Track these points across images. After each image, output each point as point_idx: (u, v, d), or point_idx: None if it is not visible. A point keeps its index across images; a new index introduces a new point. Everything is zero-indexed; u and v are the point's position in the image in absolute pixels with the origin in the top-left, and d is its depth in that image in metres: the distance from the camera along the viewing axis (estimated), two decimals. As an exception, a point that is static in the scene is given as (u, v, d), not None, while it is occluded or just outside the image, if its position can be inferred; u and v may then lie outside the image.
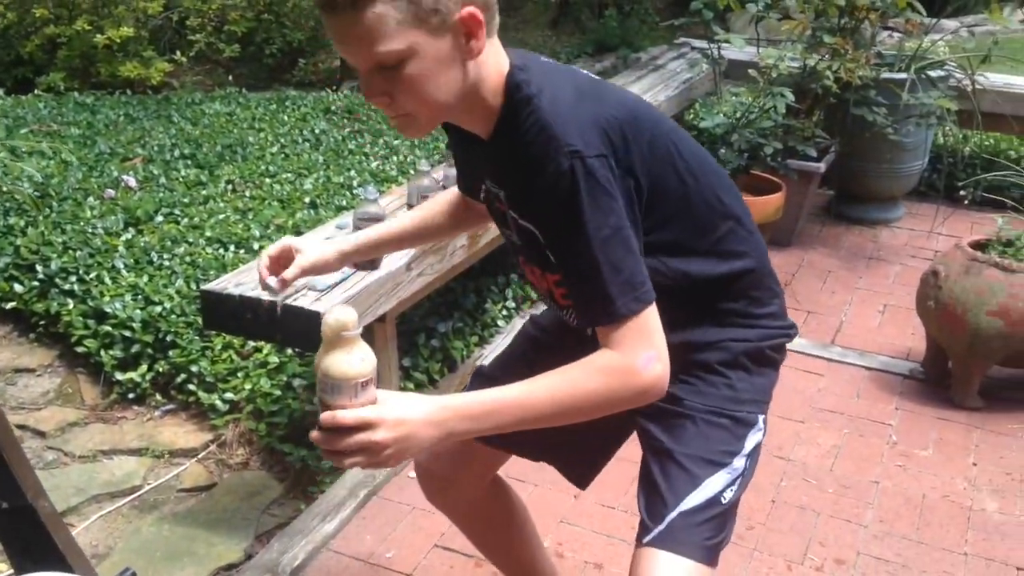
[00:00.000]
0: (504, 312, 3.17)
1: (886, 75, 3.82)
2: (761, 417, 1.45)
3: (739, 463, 1.40)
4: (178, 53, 6.07)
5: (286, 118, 4.94)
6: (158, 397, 2.71)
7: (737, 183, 3.58)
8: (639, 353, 1.22)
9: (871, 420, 2.77)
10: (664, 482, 1.38)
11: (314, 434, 1.18)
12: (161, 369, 2.73)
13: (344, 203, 3.55)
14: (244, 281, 2.13)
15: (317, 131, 4.66)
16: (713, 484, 1.37)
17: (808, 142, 3.63)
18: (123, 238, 3.28)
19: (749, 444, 1.42)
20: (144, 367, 2.74)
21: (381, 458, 1.18)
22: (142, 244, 3.21)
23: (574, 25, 8.52)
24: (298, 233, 3.17)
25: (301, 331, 2.06)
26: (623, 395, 1.24)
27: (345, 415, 1.15)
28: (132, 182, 3.81)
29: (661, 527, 1.35)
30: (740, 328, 1.44)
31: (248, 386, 2.61)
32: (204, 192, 3.76)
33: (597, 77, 1.40)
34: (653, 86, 4.38)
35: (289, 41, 6.50)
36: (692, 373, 1.42)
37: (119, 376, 2.73)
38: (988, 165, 4.00)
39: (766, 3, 3.69)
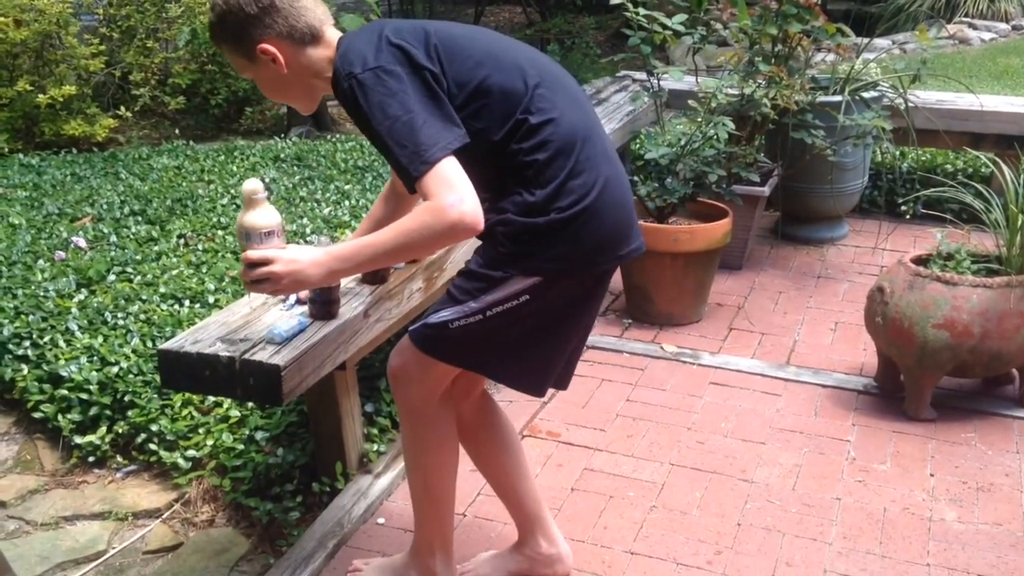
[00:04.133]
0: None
1: (822, 99, 3.93)
2: (515, 275, 1.79)
3: (473, 305, 1.81)
4: (123, 108, 6.05)
5: (235, 168, 4.94)
6: (119, 459, 2.68)
7: (685, 210, 3.68)
8: (443, 196, 1.62)
9: (830, 437, 2.83)
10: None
11: (239, 271, 1.67)
12: (121, 430, 2.70)
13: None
14: (201, 338, 2.13)
15: (267, 180, 4.66)
16: (446, 313, 1.84)
17: (751, 168, 3.71)
18: (76, 300, 3.25)
19: (492, 296, 1.80)
20: (103, 429, 2.71)
21: (280, 285, 1.75)
22: (95, 305, 3.18)
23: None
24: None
25: (261, 385, 2.06)
26: (439, 229, 1.64)
27: (251, 253, 1.76)
28: (82, 242, 3.78)
29: (415, 325, 1.90)
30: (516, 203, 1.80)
31: (210, 442, 2.60)
32: (156, 248, 3.74)
33: (412, 20, 1.94)
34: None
35: (235, 91, 6.51)
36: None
37: (78, 440, 2.70)
38: (926, 180, 4.13)
39: (701, 34, 3.79)
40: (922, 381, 2.87)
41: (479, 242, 1.86)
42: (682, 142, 3.63)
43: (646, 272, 3.56)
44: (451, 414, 2.04)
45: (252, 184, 1.81)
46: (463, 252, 2.77)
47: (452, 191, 1.62)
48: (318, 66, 1.81)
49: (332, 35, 1.83)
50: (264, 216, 1.81)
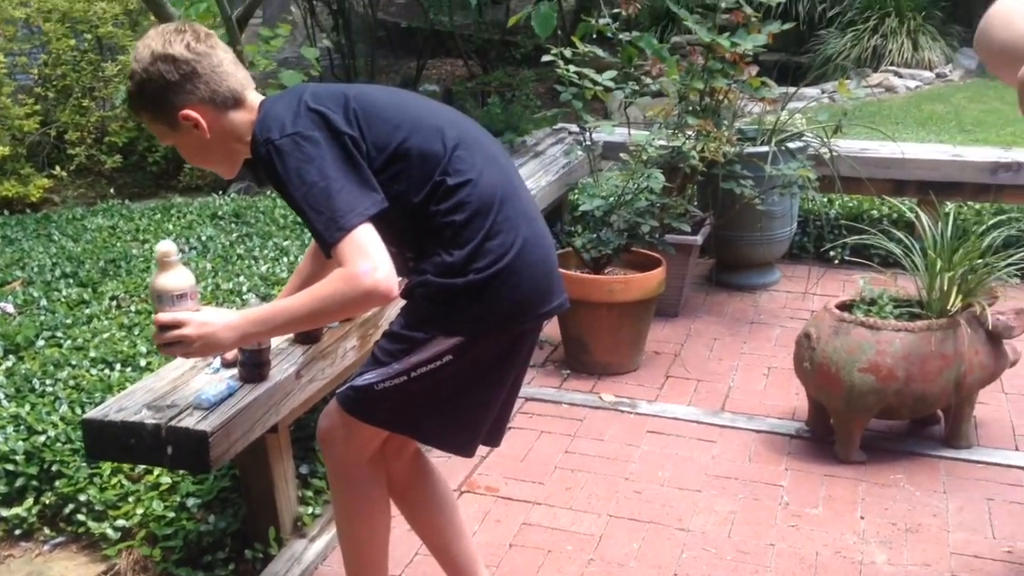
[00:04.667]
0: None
1: (749, 150, 4.04)
2: (437, 336, 1.81)
3: (397, 367, 1.83)
4: (58, 168, 5.98)
5: (171, 227, 4.90)
6: (46, 531, 2.61)
7: (620, 261, 3.74)
8: (358, 264, 1.63)
9: (764, 483, 2.87)
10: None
11: (153, 334, 1.75)
12: (48, 501, 2.64)
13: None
14: (126, 405, 2.10)
15: (204, 237, 4.63)
16: (371, 375, 1.85)
17: (682, 218, 3.79)
18: (3, 367, 3.18)
19: (415, 357, 1.82)
20: (30, 500, 2.64)
21: (192, 349, 1.75)
22: (23, 371, 3.12)
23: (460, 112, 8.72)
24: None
25: (189, 452, 2.04)
26: (352, 296, 1.65)
27: (162, 315, 1.75)
28: (10, 308, 3.71)
29: (342, 387, 1.91)
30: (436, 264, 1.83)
31: (140, 511, 2.55)
32: (87, 311, 3.68)
33: (334, 84, 1.96)
34: (534, 172, 4.52)
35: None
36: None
37: (3, 512, 2.62)
38: (852, 226, 4.24)
39: (633, 89, 3.88)
40: (851, 424, 2.93)
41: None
42: (616, 194, 3.69)
43: (583, 323, 3.60)
44: (381, 475, 2.04)
45: (165, 246, 1.82)
46: (396, 309, 2.78)
47: (366, 258, 1.63)
48: (240, 130, 1.82)
49: (254, 99, 1.85)
50: (176, 278, 1.81)
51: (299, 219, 1.83)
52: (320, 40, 9.40)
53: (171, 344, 1.75)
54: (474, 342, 1.82)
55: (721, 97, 3.95)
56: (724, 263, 4.51)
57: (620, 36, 3.94)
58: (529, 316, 1.86)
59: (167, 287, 1.80)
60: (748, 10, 3.76)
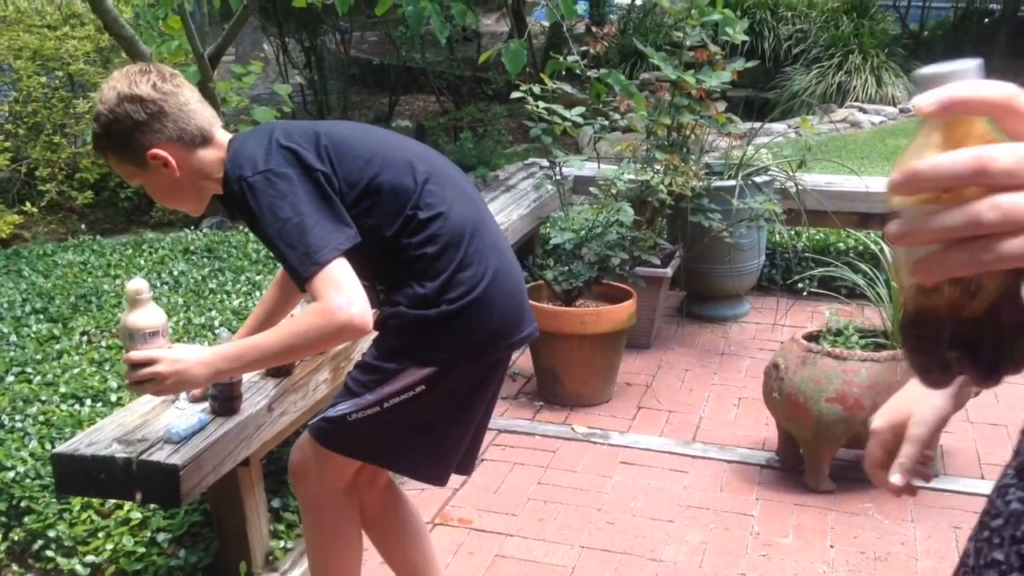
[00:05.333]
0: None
1: (716, 184, 4.11)
2: (410, 367, 1.84)
3: (370, 398, 1.85)
4: (28, 204, 5.95)
5: (143, 262, 4.89)
6: (15, 567, 2.58)
7: (591, 293, 3.78)
8: (332, 298, 1.65)
9: (735, 512, 2.89)
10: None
11: (124, 372, 1.74)
12: (17, 537, 2.60)
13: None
14: (97, 439, 2.09)
15: (176, 273, 4.62)
16: (344, 406, 1.87)
17: (652, 251, 3.85)
18: (-29, 403, 3.15)
19: (388, 388, 1.84)
20: (-3, 537, 2.61)
21: (164, 386, 1.73)
22: (-9, 407, 3.09)
23: (432, 147, 8.80)
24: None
25: (160, 486, 2.03)
26: (328, 331, 1.66)
27: (134, 353, 1.73)
28: (-21, 342, 3.68)
29: (314, 419, 1.93)
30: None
31: (110, 546, 2.52)
32: (58, 346, 3.66)
33: (305, 121, 1.98)
34: (506, 206, 4.56)
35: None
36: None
37: (-31, 550, 2.59)
38: (819, 259, 4.32)
39: (601, 124, 3.95)
40: (820, 454, 2.97)
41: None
42: (586, 227, 3.74)
43: (555, 354, 3.62)
44: (354, 507, 2.04)
45: (136, 284, 1.81)
46: (368, 341, 2.79)
47: (341, 293, 1.65)
48: (209, 168, 1.83)
49: (222, 136, 1.87)
50: (148, 316, 1.79)
51: (271, 254, 1.80)
52: (292, 76, 9.45)
53: (143, 382, 1.74)
54: (447, 372, 1.84)
55: (688, 132, 4.03)
56: (694, 295, 4.56)
57: (589, 73, 4.02)
58: (501, 345, 1.89)
59: (138, 325, 1.78)
60: (713, 48, 3.84)
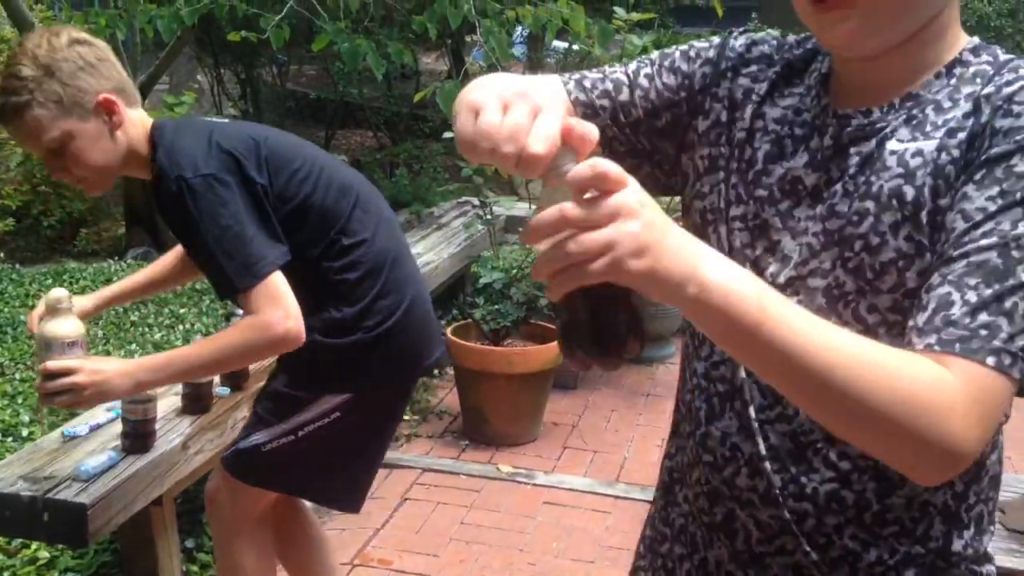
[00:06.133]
0: (295, 480, 3.13)
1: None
2: (324, 395, 1.84)
3: (284, 427, 1.83)
4: (-56, 230, 5.77)
5: (64, 293, 4.77)
6: (-92, 611, 2.47)
7: (519, 333, 3.80)
8: (269, 312, 1.63)
9: (655, 553, 2.91)
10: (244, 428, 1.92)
11: (36, 382, 1.65)
12: (-88, 579, 2.50)
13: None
14: (2, 476, 2.03)
15: (98, 305, 4.51)
16: (257, 437, 1.85)
17: (581, 291, 3.88)
18: None
19: (302, 416, 1.83)
20: None
21: (83, 397, 1.64)
22: None
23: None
24: (72, 415, 3.03)
25: (67, 524, 1.97)
26: (263, 344, 1.65)
27: (52, 363, 1.63)
28: None
29: (228, 453, 1.90)
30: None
31: (13, 588, 2.44)
32: (-32, 378, 3.54)
33: (238, 121, 1.94)
34: (438, 243, 4.57)
35: (69, 212, 6.33)
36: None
37: None
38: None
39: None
40: (739, 495, 3.01)
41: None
42: (515, 267, 3.77)
43: (482, 394, 3.62)
44: (268, 533, 2.01)
45: (57, 292, 1.73)
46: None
47: (278, 306, 1.64)
48: (136, 139, 1.74)
49: (142, 114, 1.78)
50: (67, 326, 1.70)
51: (196, 261, 1.77)
52: (227, 108, 9.37)
53: (59, 393, 1.65)
54: (362, 399, 1.84)
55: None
56: (622, 336, 4.61)
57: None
58: (414, 371, 1.92)
59: (56, 334, 1.68)
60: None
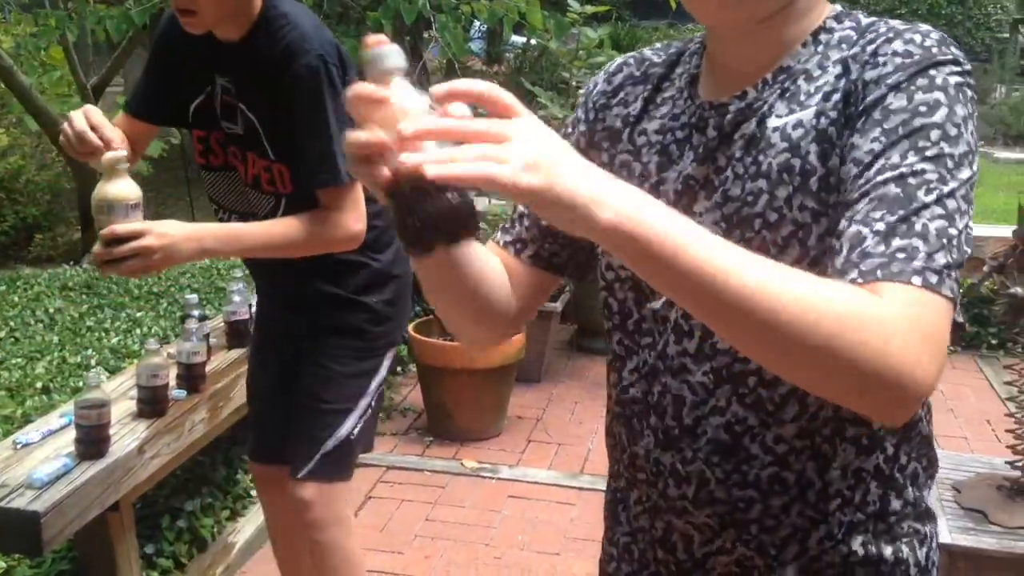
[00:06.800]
0: (258, 481, 3.10)
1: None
2: (384, 353, 1.91)
3: (364, 402, 1.85)
4: None
5: (17, 299, 4.68)
6: None
7: (481, 328, 3.79)
8: (350, 212, 1.66)
9: (620, 543, 2.92)
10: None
11: (96, 249, 1.54)
12: None
13: (80, 384, 3.38)
14: (-48, 487, 1.99)
15: (52, 310, 4.44)
16: (344, 428, 1.84)
17: (541, 285, 3.89)
18: None
19: (375, 382, 1.87)
20: None
21: (152, 261, 1.55)
22: None
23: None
24: (27, 421, 2.98)
25: (20, 533, 1.94)
26: (333, 239, 1.67)
27: (120, 226, 1.51)
28: None
29: (313, 464, 1.84)
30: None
31: (-32, 599, 2.39)
32: (-80, 388, 3.46)
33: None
34: (398, 241, 4.56)
35: (23, 217, 6.23)
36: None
37: None
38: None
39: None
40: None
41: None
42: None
43: (445, 390, 3.62)
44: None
45: (115, 153, 1.60)
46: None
47: (358, 209, 1.68)
48: None
49: None
50: (128, 187, 1.58)
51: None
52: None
53: (122, 260, 1.54)
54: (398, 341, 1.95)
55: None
56: (584, 329, 4.63)
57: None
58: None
59: (119, 196, 1.56)
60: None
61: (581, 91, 1.10)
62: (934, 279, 0.74)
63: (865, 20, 0.92)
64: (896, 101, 0.82)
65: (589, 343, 4.61)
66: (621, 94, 1.04)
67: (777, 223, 0.87)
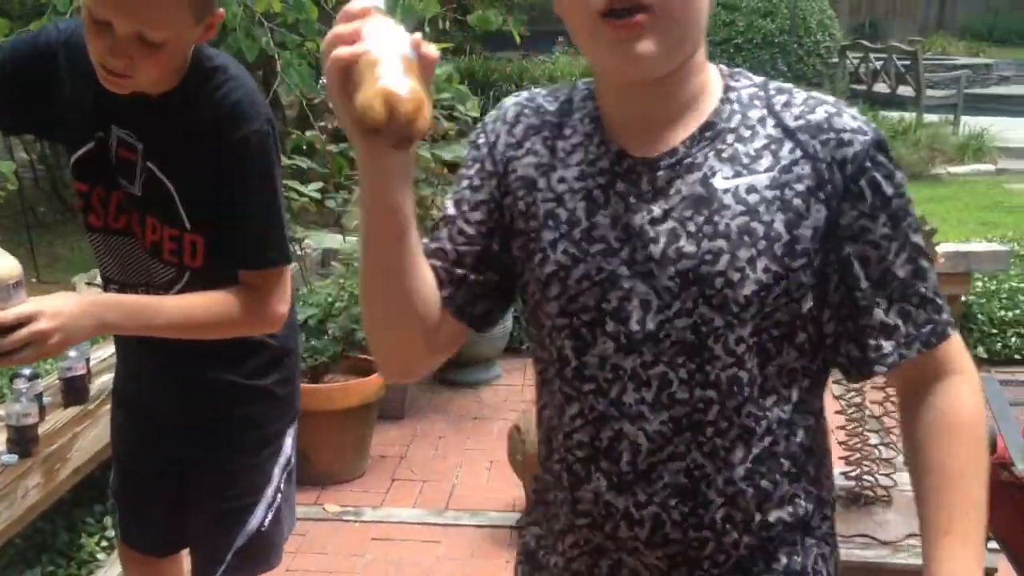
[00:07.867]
0: (104, 543, 2.95)
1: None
2: (286, 428, 1.76)
3: (269, 490, 1.69)
4: None
5: None
6: None
7: (337, 367, 3.74)
8: (278, 298, 1.51)
9: (485, 578, 2.92)
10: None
11: None
12: None
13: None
14: None
15: None
16: (256, 517, 1.68)
17: (399, 321, 3.87)
18: None
19: (278, 464, 1.71)
20: None
21: (48, 346, 1.33)
22: None
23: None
24: None
25: None
26: (255, 324, 1.52)
27: (5, 313, 1.29)
28: None
29: (225, 567, 1.66)
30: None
31: None
32: None
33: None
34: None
35: None
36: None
37: None
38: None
39: (344, 198, 3.96)
40: (563, 510, 3.06)
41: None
42: (329, 302, 3.71)
43: (304, 433, 3.47)
44: None
45: None
46: (90, 440, 2.61)
47: (285, 297, 1.54)
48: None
49: None
50: (5, 263, 1.35)
51: (215, 219, 1.50)
52: (18, 152, 8.79)
53: (18, 348, 1.31)
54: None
55: (429, 204, 4.11)
56: (449, 361, 4.59)
57: (328, 147, 4.03)
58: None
59: (0, 276, 1.33)
60: (445, 124, 3.98)
61: (474, 137, 1.09)
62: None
63: (756, 78, 0.99)
64: (888, 186, 0.95)
65: (452, 376, 4.60)
66: (527, 144, 1.05)
67: (740, 282, 0.91)
